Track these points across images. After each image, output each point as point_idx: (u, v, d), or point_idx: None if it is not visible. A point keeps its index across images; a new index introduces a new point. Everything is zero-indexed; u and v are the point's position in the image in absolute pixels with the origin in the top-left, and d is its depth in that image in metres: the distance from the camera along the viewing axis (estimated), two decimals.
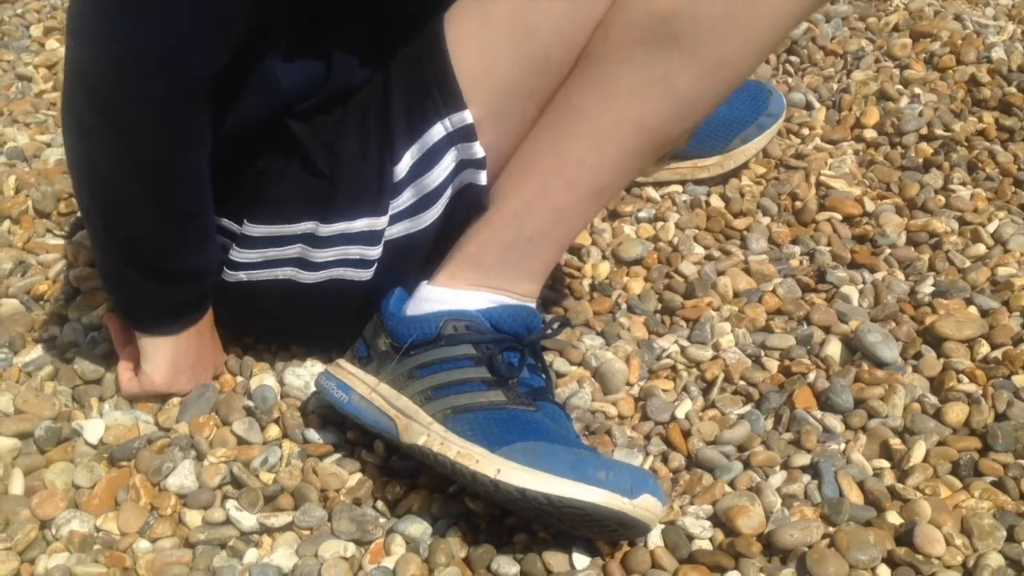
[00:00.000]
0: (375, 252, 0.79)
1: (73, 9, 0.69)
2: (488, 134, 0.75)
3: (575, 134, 0.73)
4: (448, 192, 0.78)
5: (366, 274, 0.80)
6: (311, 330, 0.88)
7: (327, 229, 0.79)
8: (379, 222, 0.78)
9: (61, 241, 1.07)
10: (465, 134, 0.75)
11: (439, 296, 0.77)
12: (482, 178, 0.76)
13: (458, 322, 0.75)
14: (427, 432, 0.71)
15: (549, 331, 0.78)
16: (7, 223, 1.09)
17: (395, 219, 0.78)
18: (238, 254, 0.81)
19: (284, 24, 0.75)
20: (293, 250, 0.80)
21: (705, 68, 0.70)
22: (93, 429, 0.82)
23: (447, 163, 0.76)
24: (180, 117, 0.71)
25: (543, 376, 0.77)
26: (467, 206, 0.77)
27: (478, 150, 0.75)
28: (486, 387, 0.73)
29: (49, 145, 1.24)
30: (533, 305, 0.79)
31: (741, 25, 0.69)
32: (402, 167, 0.76)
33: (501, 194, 0.76)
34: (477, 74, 0.74)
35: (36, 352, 0.91)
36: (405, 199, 0.78)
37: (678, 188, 1.13)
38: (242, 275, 0.82)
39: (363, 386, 0.77)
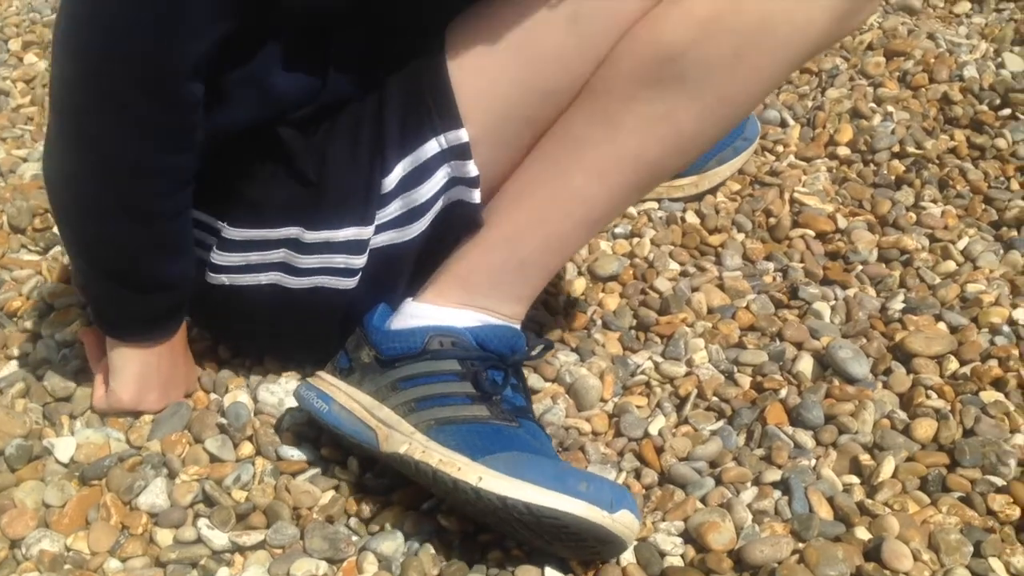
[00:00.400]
0: (360, 261, 0.79)
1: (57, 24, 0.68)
2: (482, 155, 0.75)
3: (575, 165, 0.74)
4: (437, 206, 0.78)
5: (350, 282, 0.80)
6: (293, 338, 0.87)
7: (312, 236, 0.78)
8: (365, 232, 0.78)
9: (36, 257, 1.06)
10: (460, 152, 0.75)
11: (425, 312, 0.77)
12: (475, 196, 0.76)
13: (444, 338, 0.75)
14: (409, 441, 0.71)
15: (533, 353, 0.78)
16: None
17: (381, 228, 0.78)
18: (219, 257, 0.80)
19: (282, 33, 0.74)
20: (277, 255, 0.79)
21: (709, 107, 0.71)
22: (64, 447, 0.81)
23: (439, 178, 0.76)
24: (149, 115, 0.69)
25: (524, 396, 0.78)
26: (459, 224, 0.77)
27: (472, 168, 0.75)
28: (470, 401, 0.73)
29: (25, 160, 1.23)
30: (518, 327, 0.79)
31: (748, 66, 0.69)
32: (392, 179, 0.76)
33: (495, 217, 0.76)
34: (476, 96, 0.74)
35: (9, 369, 0.91)
36: (392, 210, 0.77)
37: (654, 204, 1.14)
38: (224, 278, 0.81)
39: (344, 396, 0.77)
